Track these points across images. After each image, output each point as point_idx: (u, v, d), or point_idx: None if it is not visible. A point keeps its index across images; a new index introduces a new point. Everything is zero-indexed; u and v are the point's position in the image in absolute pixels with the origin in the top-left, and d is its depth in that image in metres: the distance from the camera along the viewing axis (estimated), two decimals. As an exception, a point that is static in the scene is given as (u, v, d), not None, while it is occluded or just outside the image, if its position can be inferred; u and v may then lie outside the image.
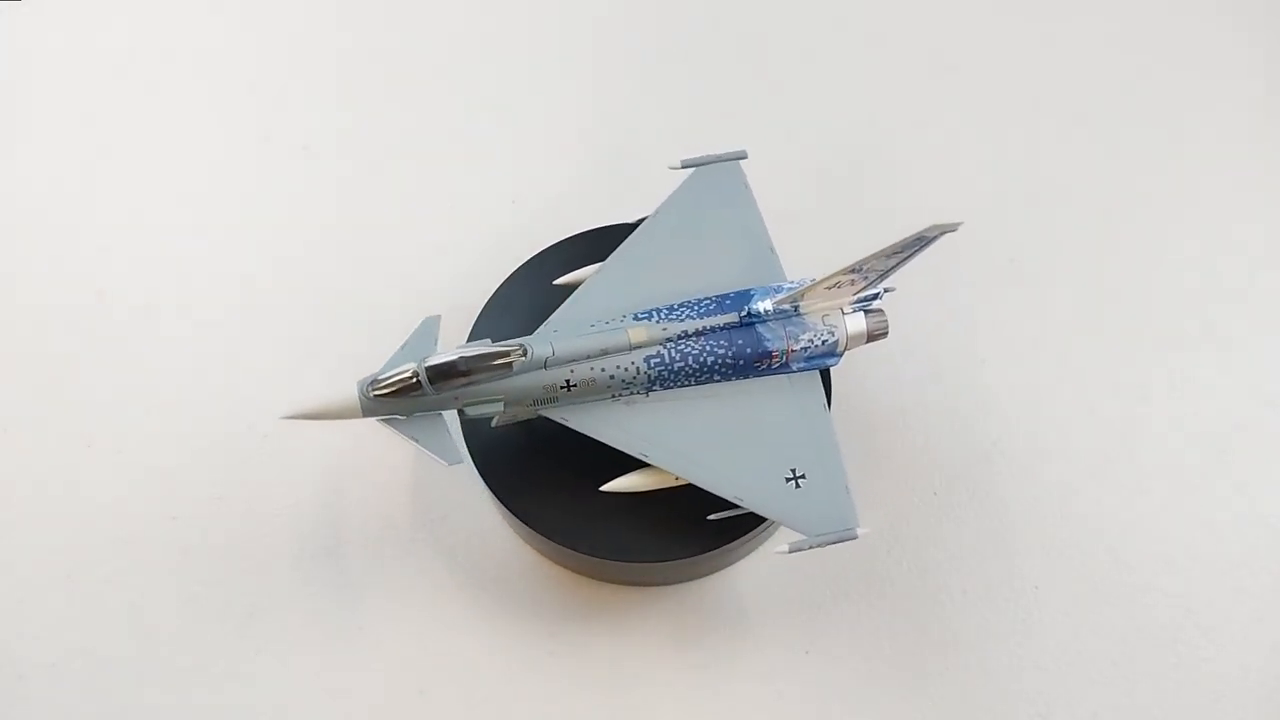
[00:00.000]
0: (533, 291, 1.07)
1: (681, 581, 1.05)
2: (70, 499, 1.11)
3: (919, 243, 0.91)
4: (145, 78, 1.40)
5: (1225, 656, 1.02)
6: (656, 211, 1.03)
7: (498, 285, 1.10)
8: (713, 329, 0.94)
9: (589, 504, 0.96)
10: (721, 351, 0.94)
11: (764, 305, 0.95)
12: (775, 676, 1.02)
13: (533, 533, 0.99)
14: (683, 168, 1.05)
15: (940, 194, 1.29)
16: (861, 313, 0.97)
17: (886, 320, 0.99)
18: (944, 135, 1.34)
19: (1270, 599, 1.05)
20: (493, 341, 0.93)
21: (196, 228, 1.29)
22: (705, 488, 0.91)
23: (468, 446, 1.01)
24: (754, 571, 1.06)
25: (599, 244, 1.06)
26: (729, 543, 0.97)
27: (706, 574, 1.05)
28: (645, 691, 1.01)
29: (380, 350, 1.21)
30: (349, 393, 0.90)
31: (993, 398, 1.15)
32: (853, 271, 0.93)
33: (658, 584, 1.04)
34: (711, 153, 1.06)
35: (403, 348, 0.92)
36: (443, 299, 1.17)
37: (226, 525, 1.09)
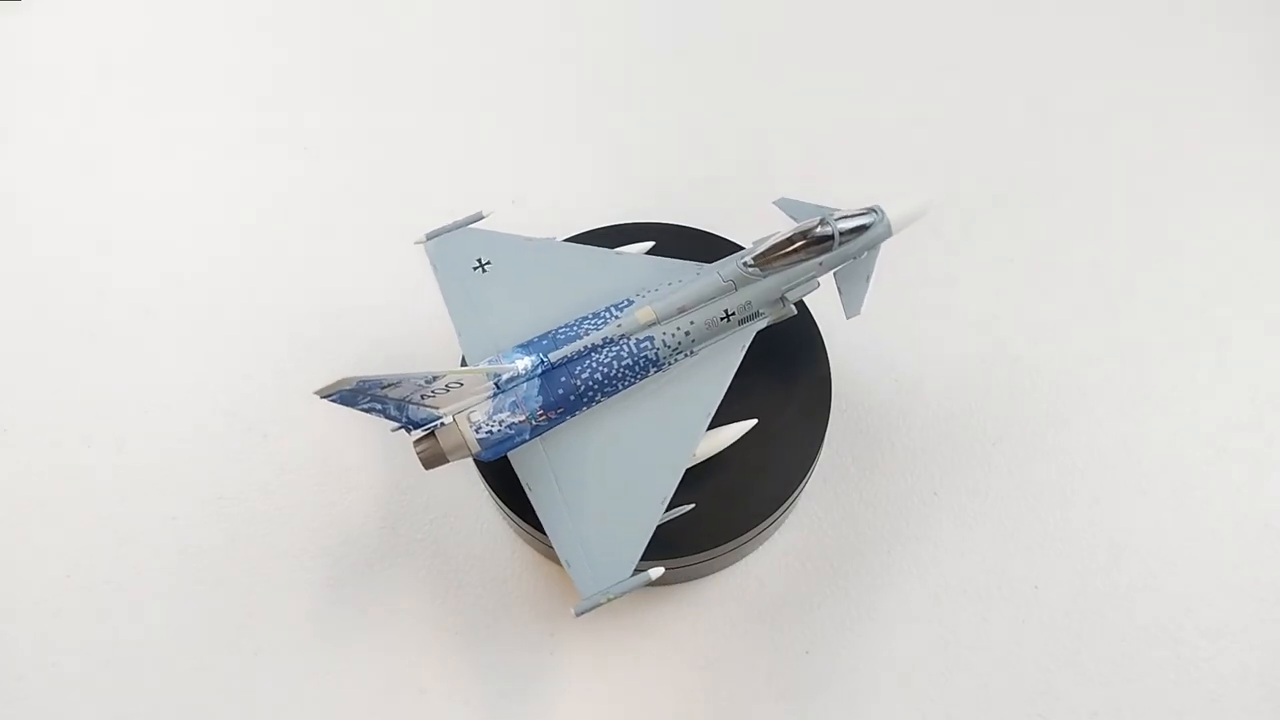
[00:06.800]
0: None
1: (681, 582, 1.05)
2: (70, 499, 1.11)
3: None
4: (146, 78, 1.40)
5: (1225, 656, 1.02)
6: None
7: (497, 285, 1.10)
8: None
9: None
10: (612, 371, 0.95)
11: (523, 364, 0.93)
12: (775, 676, 1.02)
13: (533, 532, 0.99)
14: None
15: (938, 192, 1.29)
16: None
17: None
18: (943, 134, 1.34)
19: (1270, 599, 1.05)
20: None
21: (196, 228, 1.29)
22: None
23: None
24: (754, 571, 1.06)
25: (599, 244, 1.06)
26: (729, 542, 0.97)
27: (707, 574, 1.05)
28: (646, 692, 1.01)
29: (380, 349, 1.22)
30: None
31: (993, 397, 1.15)
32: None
33: (657, 584, 1.04)
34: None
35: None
36: (442, 299, 1.17)
37: (226, 525, 1.09)
